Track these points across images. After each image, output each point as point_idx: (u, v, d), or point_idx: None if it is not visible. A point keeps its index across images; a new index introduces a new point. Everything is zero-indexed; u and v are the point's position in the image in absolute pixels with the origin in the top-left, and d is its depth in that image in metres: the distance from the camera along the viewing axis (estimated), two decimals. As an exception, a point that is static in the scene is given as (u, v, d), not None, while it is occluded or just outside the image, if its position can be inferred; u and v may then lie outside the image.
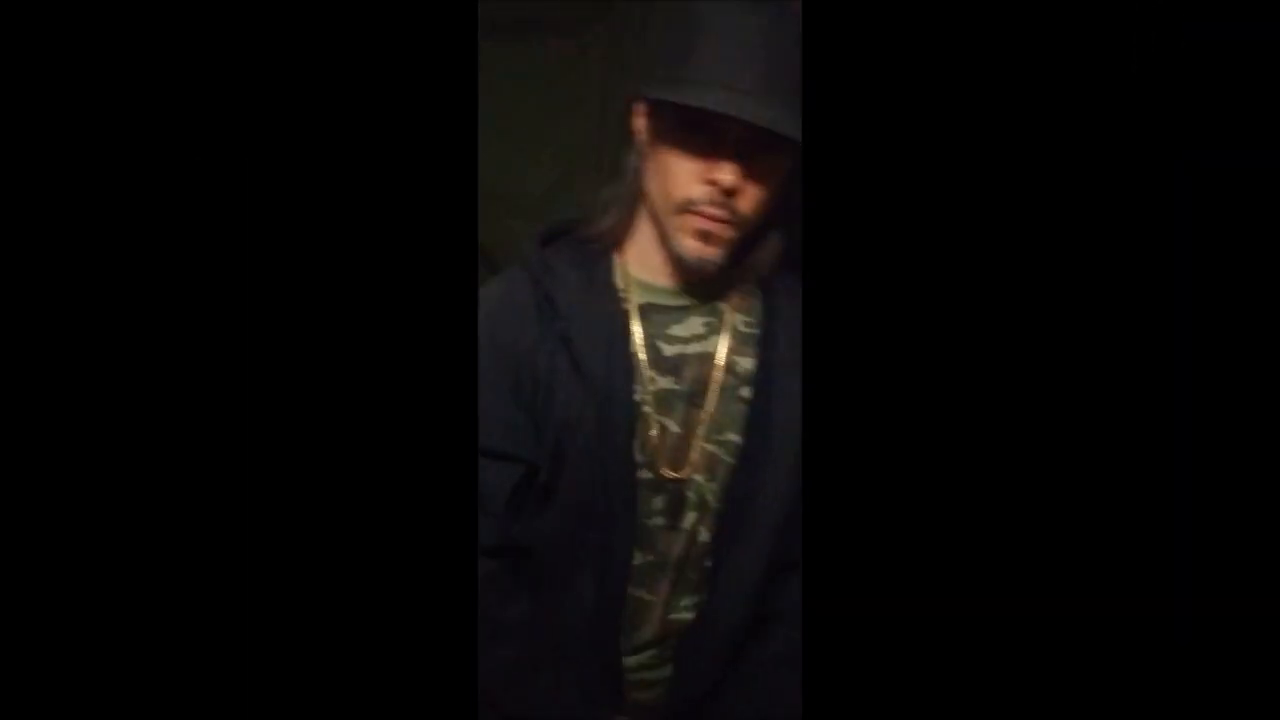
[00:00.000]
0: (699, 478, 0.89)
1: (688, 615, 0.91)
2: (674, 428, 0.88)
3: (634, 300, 0.90)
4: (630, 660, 0.91)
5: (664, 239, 0.87)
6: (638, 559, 0.89)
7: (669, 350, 0.89)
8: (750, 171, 0.82)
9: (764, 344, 0.90)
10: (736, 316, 0.91)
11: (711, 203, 0.82)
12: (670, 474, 0.88)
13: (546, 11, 1.29)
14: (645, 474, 0.88)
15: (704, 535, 0.89)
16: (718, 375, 0.89)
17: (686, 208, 0.83)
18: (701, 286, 0.90)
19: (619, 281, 0.91)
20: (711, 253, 0.85)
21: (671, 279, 0.90)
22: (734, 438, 0.89)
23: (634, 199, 0.89)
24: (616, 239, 0.91)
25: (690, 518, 0.89)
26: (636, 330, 0.89)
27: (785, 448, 0.88)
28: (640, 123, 0.87)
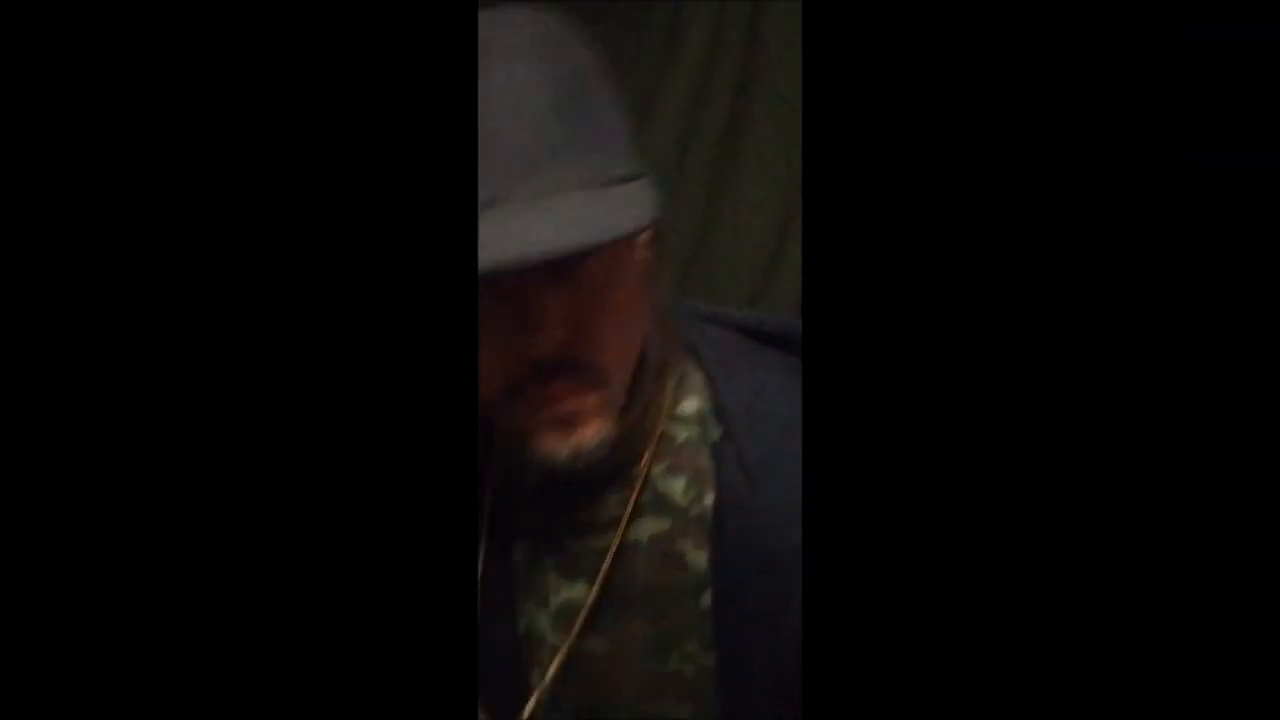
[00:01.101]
0: (663, 703, 0.63)
1: None
2: (607, 649, 0.63)
3: (523, 480, 0.64)
4: None
5: (518, 446, 0.60)
6: None
7: (577, 546, 0.64)
8: (574, 307, 0.57)
9: (716, 523, 0.63)
10: (670, 483, 0.64)
11: (543, 374, 0.57)
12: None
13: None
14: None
15: None
16: (667, 576, 0.63)
17: (517, 394, 0.58)
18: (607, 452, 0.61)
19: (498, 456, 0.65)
20: (590, 435, 0.59)
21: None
22: (698, 655, 0.63)
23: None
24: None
25: None
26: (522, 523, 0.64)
27: (768, 682, 0.61)
28: None
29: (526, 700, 0.62)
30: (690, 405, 0.65)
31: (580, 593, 0.62)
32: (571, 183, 0.54)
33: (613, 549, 0.62)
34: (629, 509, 0.63)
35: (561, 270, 0.55)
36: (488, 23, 0.57)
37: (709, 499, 0.63)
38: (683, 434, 0.65)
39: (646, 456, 0.63)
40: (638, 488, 0.63)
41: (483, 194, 0.53)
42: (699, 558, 0.62)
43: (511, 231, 0.52)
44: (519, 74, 0.55)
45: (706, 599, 0.62)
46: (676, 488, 0.63)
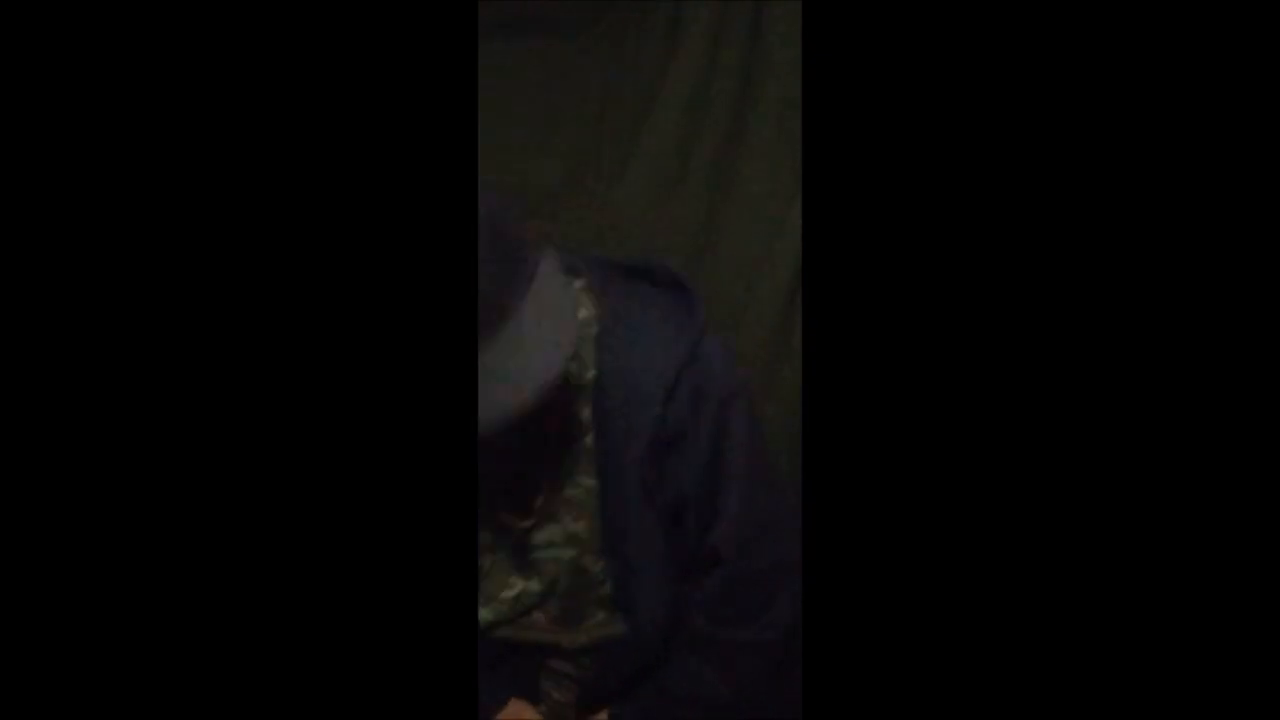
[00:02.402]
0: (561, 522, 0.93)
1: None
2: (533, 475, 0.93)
3: None
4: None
5: None
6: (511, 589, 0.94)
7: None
8: None
9: (594, 394, 0.92)
10: (572, 367, 0.91)
11: None
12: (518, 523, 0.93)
13: (546, 11, 1.28)
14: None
15: (591, 564, 0.94)
16: (566, 426, 0.92)
17: None
18: None
19: None
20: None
21: None
22: (588, 481, 0.93)
23: None
24: None
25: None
26: None
27: (632, 482, 0.92)
28: None
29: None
30: (583, 314, 0.93)
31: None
32: None
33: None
34: None
35: None
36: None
37: (591, 374, 0.92)
38: (580, 332, 0.91)
39: None
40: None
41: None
42: (586, 413, 0.92)
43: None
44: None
45: (590, 441, 0.92)
46: (574, 369, 0.90)
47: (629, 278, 0.97)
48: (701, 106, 1.17)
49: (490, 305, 0.77)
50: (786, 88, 1.12)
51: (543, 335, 0.81)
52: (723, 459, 0.93)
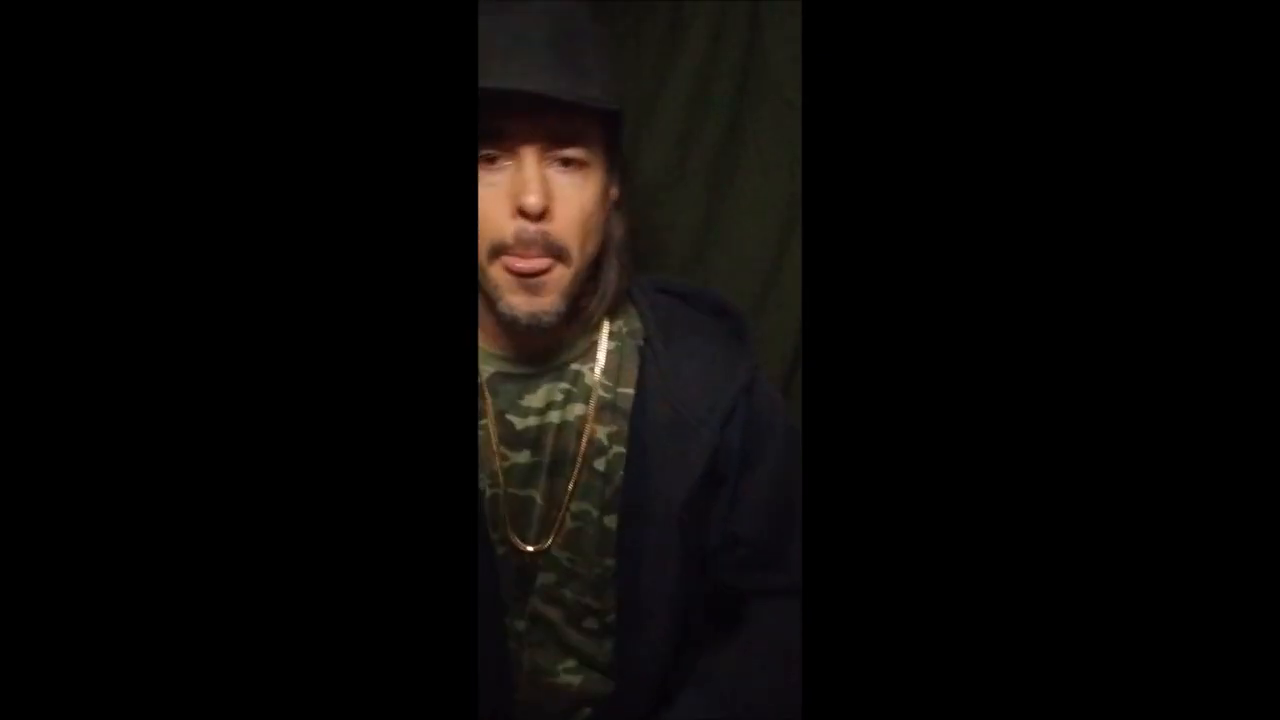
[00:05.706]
0: (562, 553, 0.85)
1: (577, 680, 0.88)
2: (539, 500, 0.84)
3: (482, 373, 0.83)
4: None
5: (491, 303, 0.78)
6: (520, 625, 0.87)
7: (521, 424, 0.84)
8: (560, 188, 0.74)
9: (633, 411, 0.83)
10: (597, 379, 0.84)
11: (524, 239, 0.73)
12: (522, 546, 0.84)
13: (546, 12, 1.29)
14: (502, 549, 0.85)
15: (585, 599, 0.86)
16: (578, 446, 0.84)
17: (500, 252, 0.75)
18: (550, 349, 0.84)
19: None
20: (543, 304, 0.76)
21: (515, 346, 0.83)
22: (590, 509, 0.84)
23: None
24: None
25: (544, 580, 0.86)
26: (483, 407, 0.83)
27: (663, 517, 0.82)
28: None
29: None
30: (622, 325, 0.87)
31: (525, 458, 0.84)
32: (575, 67, 0.72)
33: (555, 424, 0.84)
34: (565, 397, 0.84)
35: (560, 148, 0.74)
36: None
37: (628, 391, 0.84)
38: (626, 349, 0.85)
39: (590, 356, 0.85)
40: (569, 381, 0.84)
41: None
42: (605, 433, 0.84)
43: (529, 75, 0.70)
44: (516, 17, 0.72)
45: (601, 464, 0.84)
46: (604, 383, 0.84)
47: (673, 295, 0.90)
48: (701, 107, 1.17)
49: None
50: (786, 88, 1.12)
51: None
52: (788, 501, 0.85)
